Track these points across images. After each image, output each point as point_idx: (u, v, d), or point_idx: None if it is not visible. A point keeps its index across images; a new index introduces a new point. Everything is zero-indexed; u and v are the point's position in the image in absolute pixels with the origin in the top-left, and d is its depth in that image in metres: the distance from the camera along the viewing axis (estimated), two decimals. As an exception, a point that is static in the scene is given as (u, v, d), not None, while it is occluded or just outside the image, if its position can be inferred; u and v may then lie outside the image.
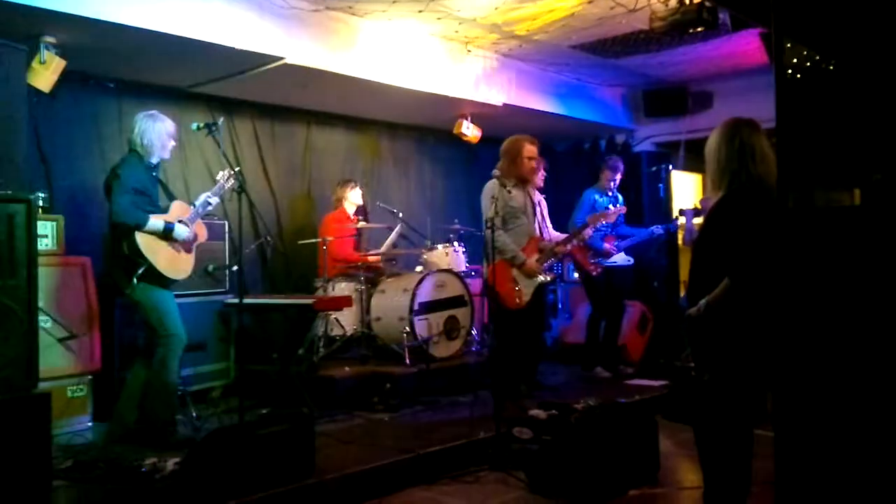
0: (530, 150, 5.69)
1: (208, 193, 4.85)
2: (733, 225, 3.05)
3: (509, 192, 5.48)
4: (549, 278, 5.76)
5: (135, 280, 4.47)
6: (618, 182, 7.01)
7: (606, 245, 6.75)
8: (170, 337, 4.60)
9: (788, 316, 2.37)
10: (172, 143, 4.76)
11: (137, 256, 4.44)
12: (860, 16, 2.44)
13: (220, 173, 4.93)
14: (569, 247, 5.99)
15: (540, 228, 5.86)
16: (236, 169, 4.94)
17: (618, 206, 6.80)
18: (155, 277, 4.53)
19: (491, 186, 5.55)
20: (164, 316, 4.60)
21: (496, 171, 5.57)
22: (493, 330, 5.87)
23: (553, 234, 6.07)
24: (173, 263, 4.61)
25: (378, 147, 8.23)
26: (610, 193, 6.98)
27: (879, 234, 2.23)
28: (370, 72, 6.27)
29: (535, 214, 5.79)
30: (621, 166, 7.03)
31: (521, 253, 5.53)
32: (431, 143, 8.66)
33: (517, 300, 5.48)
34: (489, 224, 5.09)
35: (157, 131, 4.64)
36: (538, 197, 6.02)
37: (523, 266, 5.52)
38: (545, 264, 5.69)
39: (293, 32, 5.72)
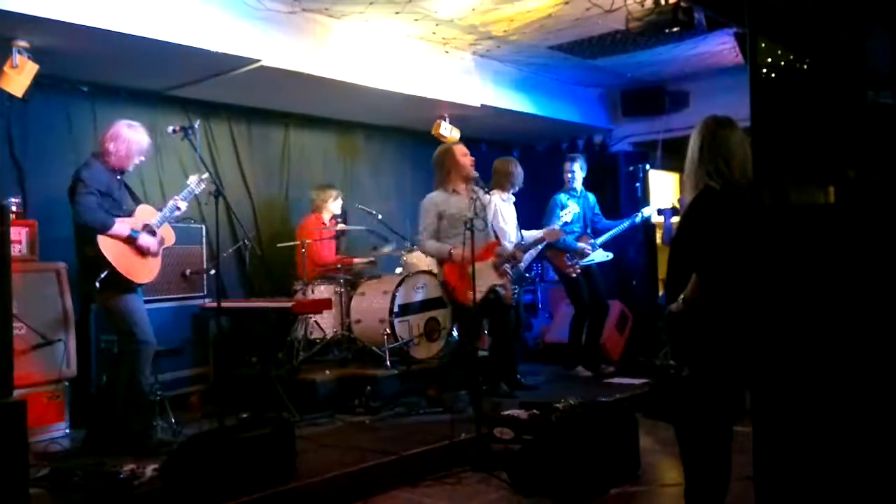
0: (461, 150, 5.69)
1: (177, 198, 4.83)
2: (702, 222, 3.10)
3: (448, 200, 5.54)
4: (503, 281, 5.67)
5: (97, 284, 4.42)
6: (576, 177, 6.95)
7: (581, 244, 6.76)
8: (139, 344, 4.55)
9: (765, 312, 2.39)
10: (139, 158, 4.71)
11: (99, 261, 4.39)
12: (833, 15, 2.47)
13: (191, 178, 4.89)
14: (528, 253, 6.10)
15: (495, 230, 5.87)
16: (204, 176, 4.89)
17: (565, 211, 6.68)
18: (120, 282, 4.47)
19: (430, 202, 5.58)
20: (133, 324, 4.56)
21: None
22: (458, 329, 5.89)
23: (527, 235, 6.12)
24: (137, 267, 4.56)
25: (356, 149, 8.21)
26: (572, 191, 6.96)
27: (854, 231, 2.25)
28: (347, 73, 6.25)
29: (484, 216, 5.67)
30: (577, 161, 6.99)
31: (445, 246, 5.47)
32: (410, 145, 8.64)
33: (468, 294, 5.43)
34: (469, 226, 5.07)
35: (126, 141, 4.61)
36: (490, 199, 5.96)
37: (454, 257, 5.40)
38: (503, 267, 5.67)
39: (269, 34, 5.69)
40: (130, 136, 4.62)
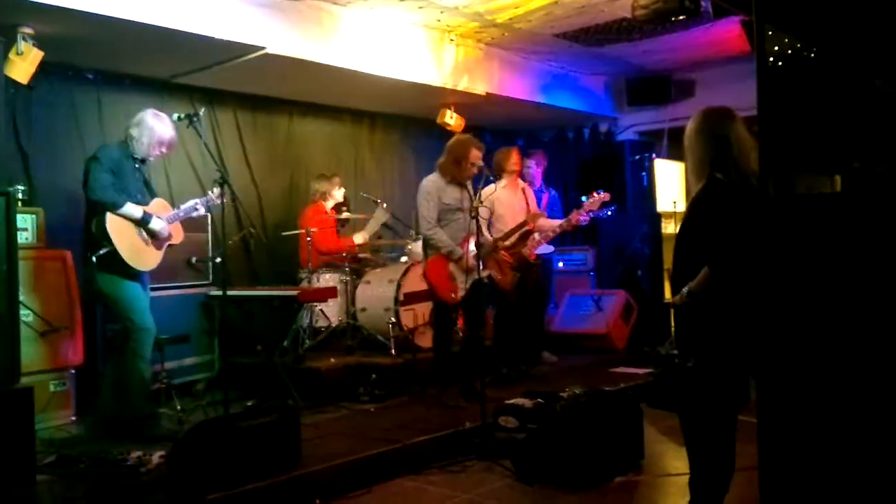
0: (476, 155, 5.42)
1: (197, 201, 4.80)
2: (713, 214, 3.07)
3: (445, 188, 5.39)
4: (486, 274, 5.55)
5: (94, 259, 4.42)
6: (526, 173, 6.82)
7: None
8: (138, 331, 4.54)
9: (770, 302, 2.39)
10: (161, 149, 4.69)
11: (102, 238, 4.38)
12: (841, 3, 2.45)
13: (215, 190, 4.72)
14: (510, 241, 5.92)
15: (486, 224, 5.79)
16: (229, 187, 4.81)
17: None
18: (118, 266, 4.45)
19: (432, 185, 5.40)
20: (130, 310, 4.55)
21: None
22: (434, 323, 5.81)
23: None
24: (138, 253, 4.54)
25: (361, 137, 8.20)
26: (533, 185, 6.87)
27: (859, 220, 2.25)
28: (352, 61, 6.24)
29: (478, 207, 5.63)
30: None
31: (457, 248, 5.36)
32: (415, 133, 8.63)
33: (452, 294, 5.37)
34: (474, 217, 5.04)
35: (149, 129, 4.60)
36: (494, 188, 5.88)
37: (460, 260, 5.36)
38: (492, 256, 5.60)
39: (274, 22, 5.68)
40: (153, 125, 4.61)
